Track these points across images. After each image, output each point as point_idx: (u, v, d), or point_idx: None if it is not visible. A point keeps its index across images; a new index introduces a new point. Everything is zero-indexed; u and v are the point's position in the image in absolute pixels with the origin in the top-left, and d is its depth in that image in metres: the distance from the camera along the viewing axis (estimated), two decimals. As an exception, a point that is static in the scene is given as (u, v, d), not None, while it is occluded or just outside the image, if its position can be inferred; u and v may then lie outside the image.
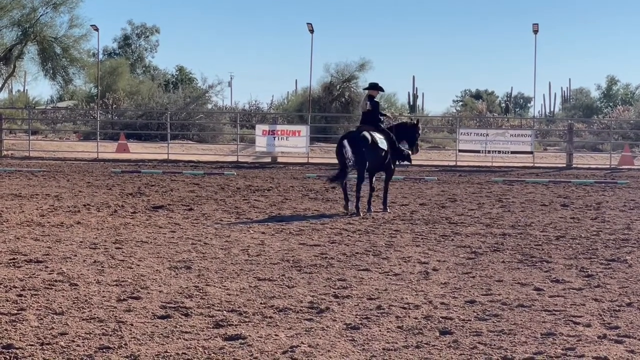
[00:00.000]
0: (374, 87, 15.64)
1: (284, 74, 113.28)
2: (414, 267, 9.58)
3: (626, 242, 11.61)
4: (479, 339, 6.47)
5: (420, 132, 16.05)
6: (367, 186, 14.98)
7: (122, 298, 7.69)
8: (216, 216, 14.01)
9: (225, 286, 8.31)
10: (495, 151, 28.79)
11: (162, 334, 6.48)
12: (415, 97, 57.86)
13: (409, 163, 16.56)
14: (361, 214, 14.37)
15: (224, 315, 7.09)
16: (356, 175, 14.87)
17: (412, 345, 6.29)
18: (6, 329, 6.53)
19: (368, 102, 15.41)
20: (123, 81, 49.56)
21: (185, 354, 5.96)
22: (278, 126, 30.50)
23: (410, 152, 15.71)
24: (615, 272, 9.34)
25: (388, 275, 9.07)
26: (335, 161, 15.74)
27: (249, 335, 6.44)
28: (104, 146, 31.25)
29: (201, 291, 8.03)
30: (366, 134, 14.71)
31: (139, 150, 30.85)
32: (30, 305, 7.34)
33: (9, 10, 39.70)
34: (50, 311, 7.15)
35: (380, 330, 6.69)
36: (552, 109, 61.28)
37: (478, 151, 29.07)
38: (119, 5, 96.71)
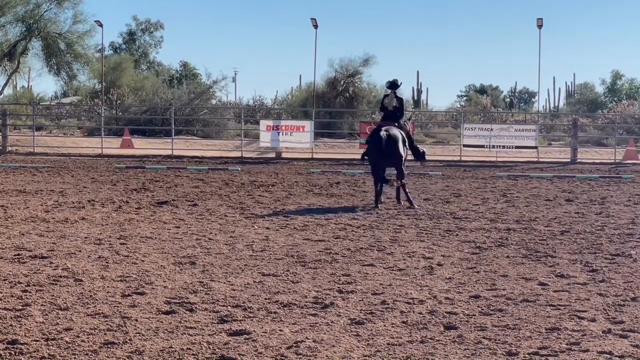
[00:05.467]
0: (396, 85, 15.87)
1: (288, 70, 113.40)
2: (419, 262, 9.57)
3: (631, 236, 11.60)
4: (484, 333, 6.46)
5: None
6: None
7: (126, 293, 7.70)
8: (220, 212, 14.02)
9: (229, 281, 8.32)
10: (499, 146, 28.73)
11: (166, 330, 6.49)
12: (419, 92, 57.83)
13: (424, 160, 16.68)
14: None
15: (228, 311, 7.09)
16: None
17: (416, 340, 6.29)
18: (11, 325, 6.55)
19: (395, 99, 15.74)
20: (127, 77, 49.59)
21: (189, 349, 5.96)
22: (282, 121, 30.49)
23: (424, 150, 16.12)
24: (620, 266, 9.33)
25: (392, 270, 9.07)
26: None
27: (254, 331, 6.44)
28: (108, 142, 31.26)
29: (206, 286, 8.03)
30: (397, 132, 15.00)
31: (143, 146, 30.87)
32: (35, 301, 7.35)
33: (13, 6, 39.76)
34: (55, 307, 7.17)
35: (384, 325, 6.69)
36: (556, 104, 61.18)
37: (482, 146, 29.03)
38: (123, 0, 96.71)
